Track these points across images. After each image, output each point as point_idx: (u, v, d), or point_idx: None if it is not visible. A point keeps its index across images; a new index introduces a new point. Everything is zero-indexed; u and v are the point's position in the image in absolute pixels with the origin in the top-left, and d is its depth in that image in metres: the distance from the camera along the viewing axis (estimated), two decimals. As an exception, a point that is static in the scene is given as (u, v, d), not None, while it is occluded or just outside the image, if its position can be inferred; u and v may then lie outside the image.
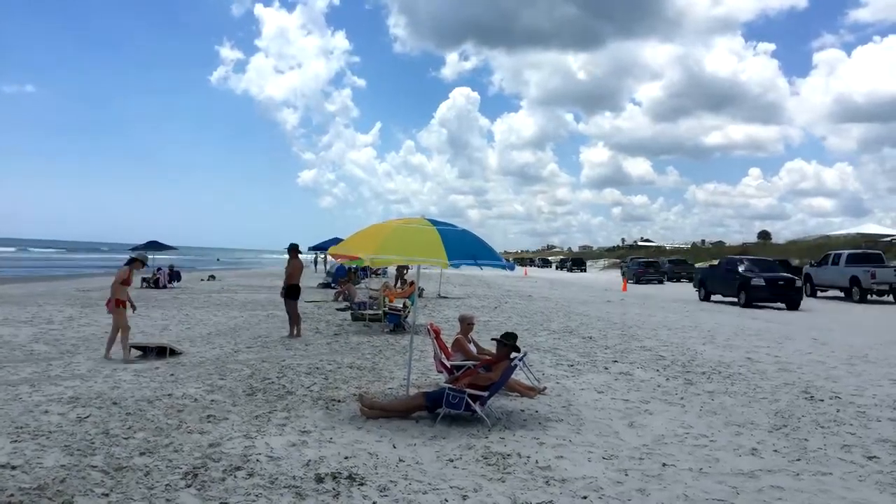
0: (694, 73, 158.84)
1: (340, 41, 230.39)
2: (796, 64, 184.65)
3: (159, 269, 26.54)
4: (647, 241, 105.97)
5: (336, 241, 22.30)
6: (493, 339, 7.20)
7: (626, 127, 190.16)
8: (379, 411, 6.31)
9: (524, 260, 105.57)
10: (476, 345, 8.18)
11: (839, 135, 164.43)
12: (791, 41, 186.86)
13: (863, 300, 24.58)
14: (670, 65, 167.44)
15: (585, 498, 4.37)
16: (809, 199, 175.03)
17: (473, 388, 6.29)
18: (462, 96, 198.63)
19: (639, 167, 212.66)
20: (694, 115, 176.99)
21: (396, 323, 13.50)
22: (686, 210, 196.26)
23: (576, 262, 78.20)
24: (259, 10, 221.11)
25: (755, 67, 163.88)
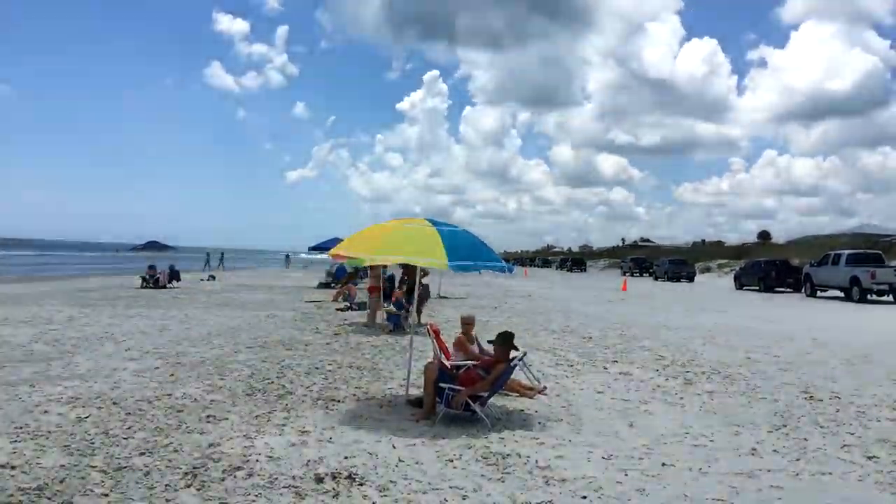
0: (659, 72, 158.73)
1: (298, 46, 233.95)
2: (743, 62, 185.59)
3: (159, 268, 26.53)
4: (646, 240, 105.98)
5: (336, 241, 22.28)
6: (489, 342, 7.21)
7: (592, 124, 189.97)
8: (428, 405, 6.35)
9: (524, 260, 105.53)
10: (478, 345, 8.18)
11: (803, 132, 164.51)
12: (738, 37, 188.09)
13: (863, 300, 24.58)
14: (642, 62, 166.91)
15: (585, 498, 4.37)
16: (789, 197, 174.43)
17: (472, 388, 6.28)
18: (427, 96, 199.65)
19: (613, 165, 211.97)
20: (661, 113, 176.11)
21: (396, 323, 13.50)
22: (667, 208, 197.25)
23: (575, 261, 78.15)
24: (217, 14, 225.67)
25: (716, 66, 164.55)
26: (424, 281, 16.28)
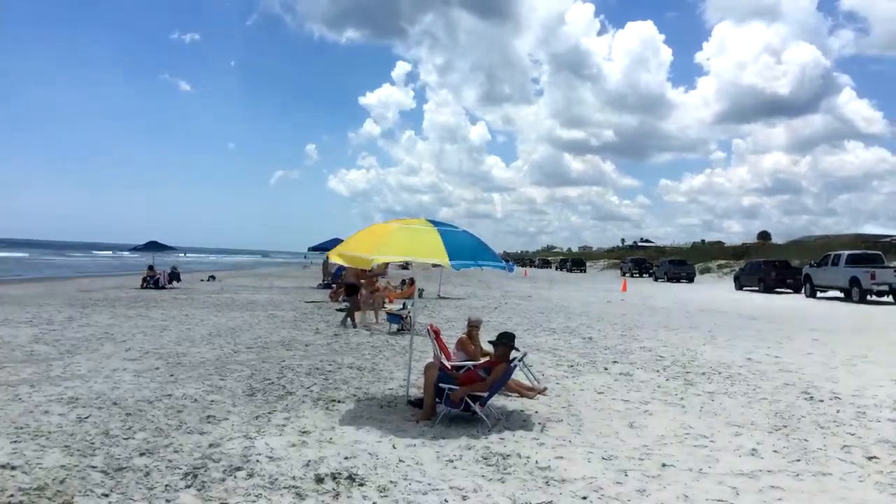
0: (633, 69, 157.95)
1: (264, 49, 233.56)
2: (690, 67, 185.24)
3: (156, 268, 26.52)
4: (646, 241, 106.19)
5: (336, 241, 22.28)
6: (489, 342, 7.21)
7: (553, 121, 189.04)
8: (428, 406, 6.34)
9: (524, 260, 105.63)
10: (479, 346, 8.18)
11: (766, 130, 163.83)
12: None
13: (863, 300, 24.58)
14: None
15: (585, 498, 4.37)
16: (766, 195, 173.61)
17: (471, 387, 6.28)
18: (391, 94, 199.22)
19: (588, 164, 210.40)
20: (611, 110, 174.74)
21: (399, 324, 13.47)
22: (653, 206, 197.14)
23: (575, 262, 78.13)
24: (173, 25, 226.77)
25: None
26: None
